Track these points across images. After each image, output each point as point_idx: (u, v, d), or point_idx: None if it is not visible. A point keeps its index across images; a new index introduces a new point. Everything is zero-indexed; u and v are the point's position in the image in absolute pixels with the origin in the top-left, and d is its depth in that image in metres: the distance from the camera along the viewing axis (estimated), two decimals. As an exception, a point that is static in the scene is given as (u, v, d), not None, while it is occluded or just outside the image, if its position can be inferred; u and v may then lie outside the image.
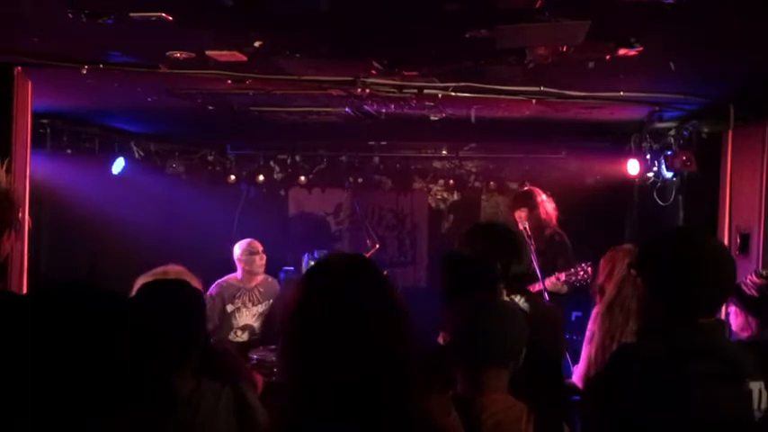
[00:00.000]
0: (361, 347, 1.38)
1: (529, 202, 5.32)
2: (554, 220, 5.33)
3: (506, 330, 2.08)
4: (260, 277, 5.42)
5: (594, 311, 3.32)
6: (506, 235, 3.09)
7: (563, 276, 4.87)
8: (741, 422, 1.91)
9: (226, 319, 5.27)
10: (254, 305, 5.36)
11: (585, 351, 3.32)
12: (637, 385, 1.90)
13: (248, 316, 5.35)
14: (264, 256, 5.41)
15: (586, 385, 3.16)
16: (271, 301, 5.41)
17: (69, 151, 5.89)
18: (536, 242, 4.88)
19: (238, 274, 5.38)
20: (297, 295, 1.46)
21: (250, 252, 5.31)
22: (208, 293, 5.22)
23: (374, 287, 1.46)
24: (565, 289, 4.93)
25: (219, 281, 5.37)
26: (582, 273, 4.88)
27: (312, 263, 1.58)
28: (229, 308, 5.30)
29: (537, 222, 5.19)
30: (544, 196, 5.40)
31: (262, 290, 5.39)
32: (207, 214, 7.40)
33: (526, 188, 5.86)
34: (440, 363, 2.18)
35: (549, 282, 4.79)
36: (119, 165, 6.55)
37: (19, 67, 3.59)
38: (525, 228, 5.01)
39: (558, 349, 3.08)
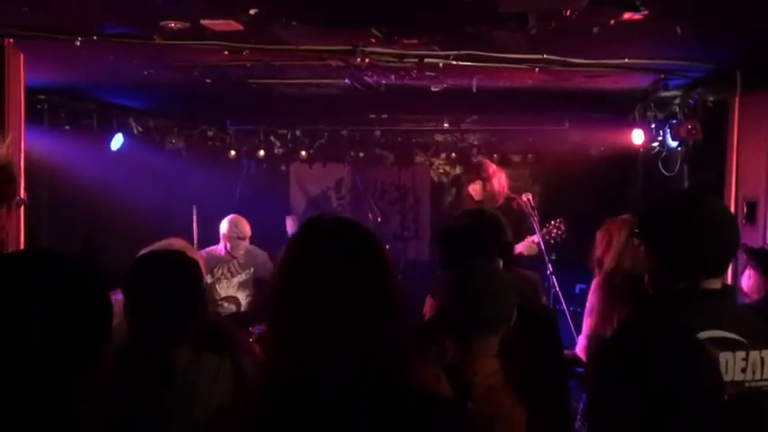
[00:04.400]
0: (347, 307, 1.35)
1: (481, 174, 5.32)
2: (506, 189, 5.32)
3: (494, 296, 2.08)
4: (239, 253, 5.39)
5: (594, 283, 3.30)
6: (492, 217, 3.12)
7: (537, 237, 4.87)
8: (751, 391, 1.88)
9: (207, 291, 5.25)
10: (233, 276, 5.35)
11: (586, 323, 3.31)
12: (646, 355, 1.86)
13: (229, 287, 5.33)
14: (247, 243, 5.35)
15: (591, 357, 3.14)
16: (252, 269, 5.38)
17: (67, 127, 5.83)
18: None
19: (221, 248, 5.35)
20: (283, 256, 1.43)
21: (238, 237, 5.27)
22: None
23: (360, 245, 1.42)
24: (536, 250, 4.92)
25: (200, 251, 5.34)
26: (555, 229, 4.93)
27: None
28: (209, 279, 5.24)
29: (490, 194, 5.22)
30: (495, 167, 5.42)
31: (241, 261, 5.37)
32: (207, 190, 7.34)
33: (476, 160, 5.88)
34: (432, 333, 2.17)
35: (525, 246, 4.84)
36: (117, 141, 6.49)
37: (10, 39, 3.52)
38: (529, 199, 5.02)
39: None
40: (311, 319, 1.35)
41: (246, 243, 5.34)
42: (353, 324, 1.34)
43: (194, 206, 5.12)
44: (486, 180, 5.30)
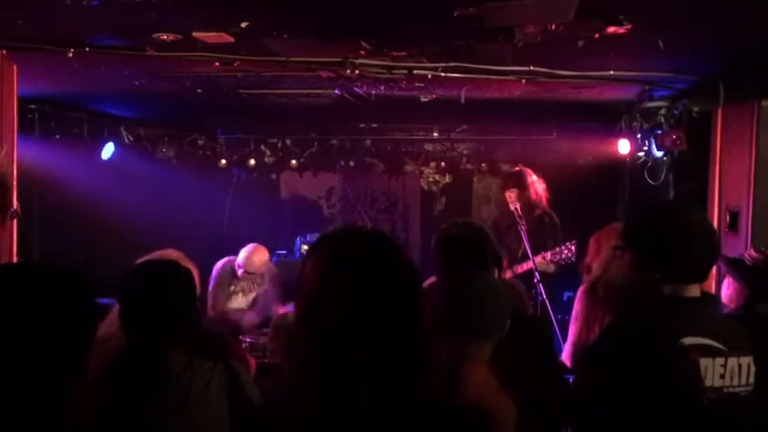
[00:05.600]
0: (385, 317, 1.36)
1: (519, 182, 5.36)
2: (544, 201, 5.37)
3: (487, 304, 2.09)
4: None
5: (579, 291, 3.35)
6: (478, 227, 3.16)
7: (549, 255, 4.93)
8: (729, 396, 1.93)
9: (226, 298, 5.29)
10: (250, 291, 5.38)
11: (572, 330, 3.36)
12: (628, 360, 1.91)
13: (242, 301, 5.36)
14: (258, 273, 5.38)
15: (576, 362, 3.18)
16: (264, 287, 5.42)
17: (58, 137, 5.85)
18: (526, 222, 4.94)
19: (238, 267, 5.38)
20: (316, 267, 1.42)
21: (246, 271, 5.27)
22: (220, 264, 5.29)
23: (394, 256, 1.44)
24: (552, 268, 4.99)
25: (231, 258, 5.38)
26: (566, 251, 4.96)
27: (322, 236, 1.53)
28: (230, 288, 5.33)
29: (527, 203, 5.25)
30: (535, 177, 5.44)
31: (260, 280, 5.40)
32: (198, 199, 7.38)
33: (517, 169, 5.89)
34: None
35: (537, 261, 4.87)
36: (108, 150, 6.51)
37: (3, 51, 3.55)
38: (516, 208, 5.06)
39: None
40: (349, 334, 1.36)
41: (256, 276, 5.34)
42: (389, 337, 1.36)
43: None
44: (523, 189, 5.31)
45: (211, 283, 5.26)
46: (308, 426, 1.36)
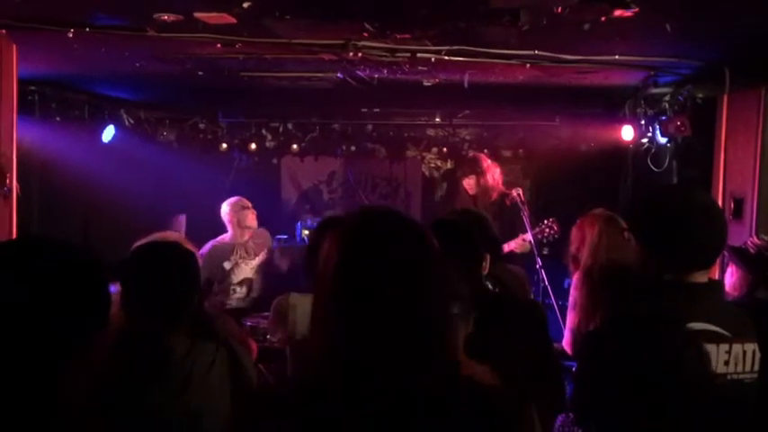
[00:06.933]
0: (412, 300, 1.30)
1: (476, 169, 5.40)
2: (500, 185, 5.40)
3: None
4: (250, 231, 5.46)
5: (575, 279, 3.35)
6: (477, 214, 3.18)
7: (529, 236, 4.92)
8: (733, 383, 1.91)
9: (225, 277, 5.30)
10: (250, 258, 5.40)
11: (570, 318, 3.36)
12: (632, 347, 1.90)
13: (246, 270, 5.39)
14: (255, 212, 5.46)
15: (577, 348, 3.18)
16: (266, 250, 5.47)
17: (58, 119, 5.81)
18: (484, 208, 4.97)
19: (229, 233, 5.42)
20: (338, 249, 1.34)
21: (242, 207, 5.38)
22: (200, 253, 5.25)
23: (420, 238, 1.38)
24: (528, 248, 4.99)
25: (212, 241, 5.41)
26: (548, 229, 5.00)
27: (350, 215, 1.47)
28: (227, 265, 5.32)
29: (485, 188, 5.30)
30: (490, 161, 5.53)
31: (257, 241, 5.46)
32: (199, 183, 7.34)
33: (471, 155, 5.98)
34: None
35: (517, 245, 4.90)
36: (109, 133, 6.47)
37: (3, 30, 3.52)
38: (519, 194, 5.06)
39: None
40: (375, 314, 1.29)
41: (252, 215, 5.41)
42: (425, 323, 1.31)
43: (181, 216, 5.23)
44: (480, 175, 5.38)
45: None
46: (339, 416, 1.29)
